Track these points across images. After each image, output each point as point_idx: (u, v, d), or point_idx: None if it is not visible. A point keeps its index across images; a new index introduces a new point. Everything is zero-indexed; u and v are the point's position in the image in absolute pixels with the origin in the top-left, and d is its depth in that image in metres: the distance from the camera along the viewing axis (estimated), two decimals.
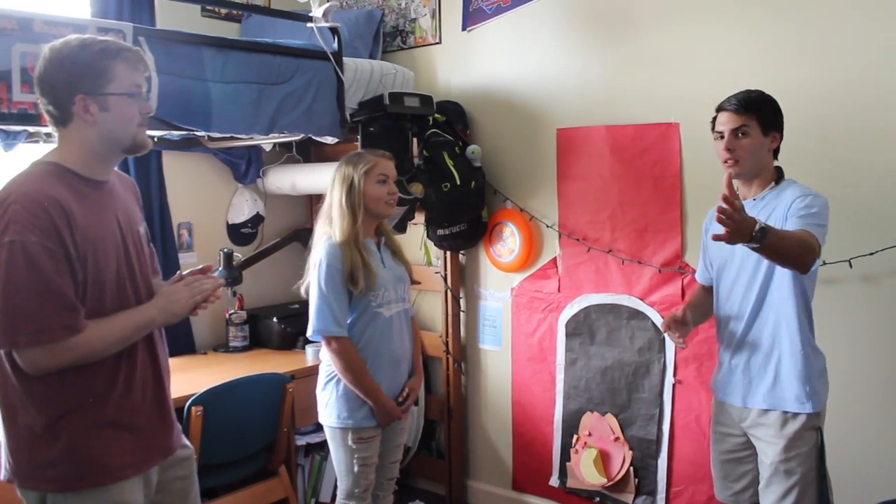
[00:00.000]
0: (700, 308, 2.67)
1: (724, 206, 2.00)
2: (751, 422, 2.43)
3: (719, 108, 2.44)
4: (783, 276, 2.33)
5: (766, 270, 2.36)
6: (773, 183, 2.42)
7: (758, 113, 2.36)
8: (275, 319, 3.87)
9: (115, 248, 1.90)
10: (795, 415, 2.33)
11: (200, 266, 2.10)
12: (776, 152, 2.45)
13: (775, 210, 2.34)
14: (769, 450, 2.37)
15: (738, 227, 2.05)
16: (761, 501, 2.41)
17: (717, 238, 2.08)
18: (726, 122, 2.39)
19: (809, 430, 2.34)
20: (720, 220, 2.01)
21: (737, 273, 2.47)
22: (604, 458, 3.51)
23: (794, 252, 2.19)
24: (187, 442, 2.17)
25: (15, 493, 1.89)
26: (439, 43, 4.04)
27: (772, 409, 2.37)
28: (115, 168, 2.04)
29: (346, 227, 2.71)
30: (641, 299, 3.38)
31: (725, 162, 2.39)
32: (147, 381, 1.97)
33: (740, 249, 2.42)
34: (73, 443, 1.82)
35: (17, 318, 1.72)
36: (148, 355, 1.98)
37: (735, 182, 2.48)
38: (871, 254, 2.77)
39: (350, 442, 2.74)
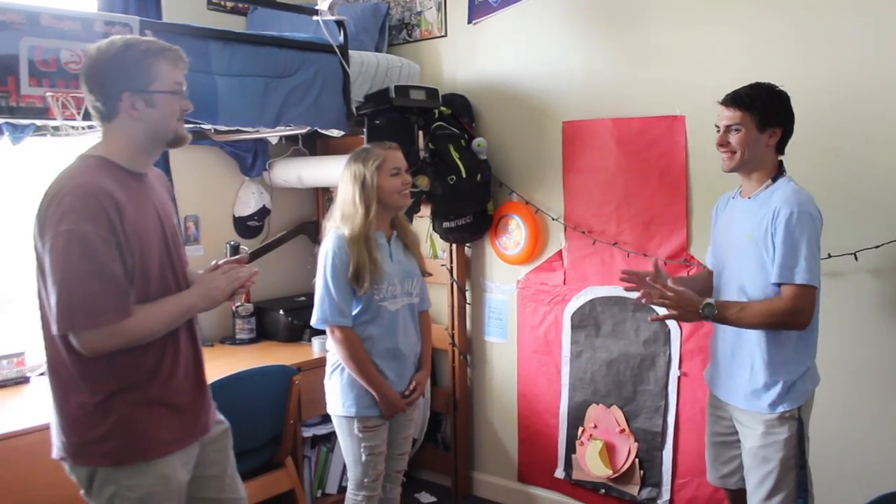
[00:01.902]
0: (697, 284, 2.66)
1: (656, 293, 2.29)
2: (732, 409, 2.51)
3: (721, 102, 2.46)
4: (769, 274, 2.34)
5: (754, 273, 2.38)
6: (769, 180, 2.42)
7: (752, 109, 2.37)
8: (281, 312, 3.89)
9: (158, 238, 2.01)
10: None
11: (237, 256, 2.21)
12: (781, 147, 2.44)
13: (764, 219, 2.35)
14: (749, 434, 2.42)
15: (679, 306, 2.31)
16: (746, 486, 2.47)
17: (656, 319, 2.37)
18: (723, 117, 2.43)
19: (788, 420, 2.37)
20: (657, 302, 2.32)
21: (729, 267, 2.50)
22: (609, 450, 3.52)
23: (760, 324, 2.33)
24: (222, 417, 2.27)
25: (59, 474, 2.00)
26: (445, 36, 4.04)
27: (747, 409, 2.44)
28: None
29: (357, 224, 2.72)
30: None
31: (722, 156, 2.45)
32: (189, 364, 2.09)
33: (735, 244, 2.47)
34: (122, 419, 1.92)
35: (76, 303, 1.81)
36: (189, 339, 2.11)
37: (741, 179, 2.53)
38: (877, 247, 2.76)
39: (356, 431, 2.76)
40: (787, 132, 2.43)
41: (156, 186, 2.11)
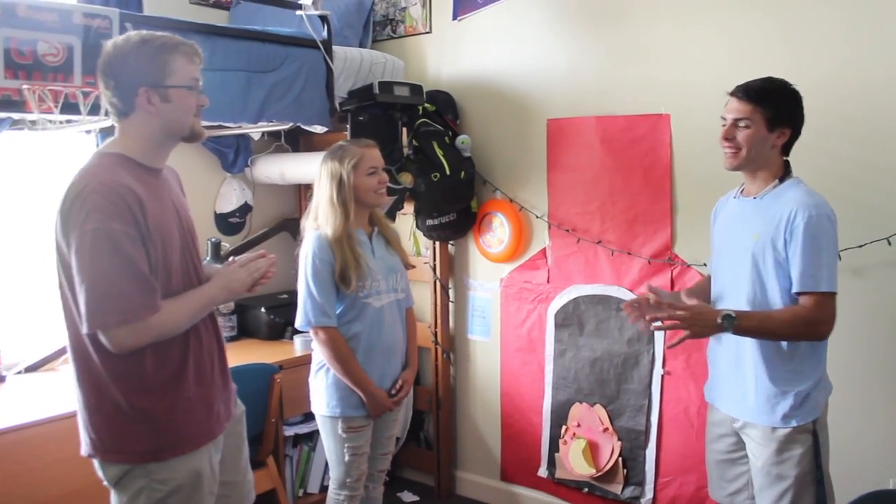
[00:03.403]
0: (701, 294, 2.54)
1: (664, 314, 2.14)
2: (741, 425, 2.34)
3: (730, 93, 2.30)
4: (775, 281, 2.23)
5: (757, 274, 2.26)
6: (776, 180, 2.29)
7: (765, 105, 2.22)
8: (263, 309, 3.85)
9: (179, 233, 2.03)
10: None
11: (257, 252, 2.20)
12: (787, 148, 2.30)
13: (774, 219, 2.22)
14: (760, 453, 2.27)
15: (693, 323, 2.14)
16: None
17: (674, 344, 2.21)
18: (731, 109, 2.27)
19: (802, 434, 2.23)
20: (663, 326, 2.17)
21: (728, 273, 2.38)
22: (592, 449, 3.52)
23: (783, 336, 2.20)
24: (238, 400, 2.30)
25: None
26: (429, 32, 4.02)
27: (758, 423, 2.29)
28: None
29: (337, 223, 2.70)
30: (631, 290, 3.37)
31: (725, 151, 2.30)
32: (213, 356, 2.12)
33: (731, 249, 2.35)
34: (157, 417, 1.94)
35: (107, 302, 1.82)
36: (213, 331, 2.14)
37: (742, 175, 2.38)
38: (860, 246, 2.77)
39: (340, 431, 2.74)
40: (796, 134, 2.29)
41: (170, 181, 2.12)
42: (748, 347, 2.29)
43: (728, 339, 2.32)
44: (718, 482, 2.49)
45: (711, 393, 2.49)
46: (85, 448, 1.99)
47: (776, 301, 2.23)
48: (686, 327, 2.15)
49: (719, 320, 2.13)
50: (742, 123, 2.24)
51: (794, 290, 2.18)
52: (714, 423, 2.48)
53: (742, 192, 2.41)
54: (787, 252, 2.19)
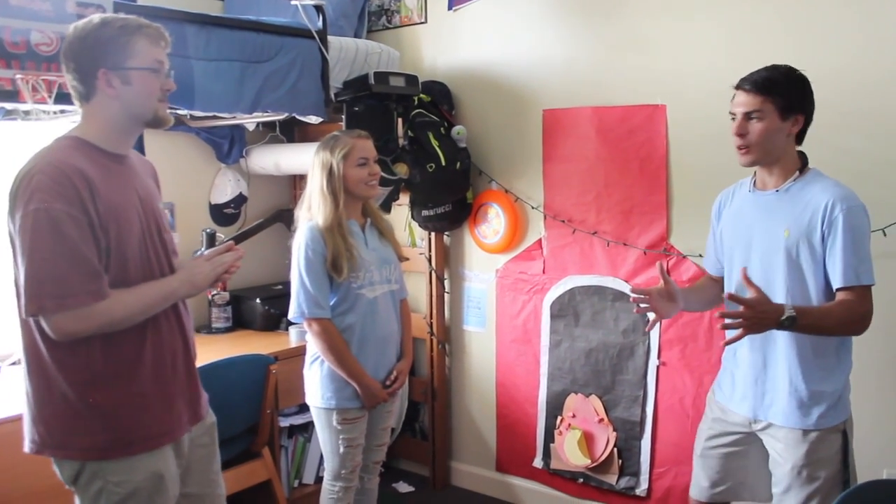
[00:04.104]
0: (699, 294, 2.51)
1: (734, 309, 1.99)
2: (763, 426, 2.27)
3: (736, 86, 2.23)
4: (812, 276, 2.15)
5: (794, 271, 2.17)
6: (797, 172, 2.21)
7: (775, 94, 2.14)
8: (258, 300, 3.85)
9: (138, 221, 1.95)
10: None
11: (224, 245, 2.15)
12: (801, 136, 2.24)
13: (806, 213, 2.15)
14: (789, 454, 2.19)
15: (757, 322, 1.99)
16: None
17: (732, 340, 2.06)
18: (740, 103, 2.19)
19: (833, 433, 2.18)
20: (731, 324, 1.99)
21: (756, 268, 2.23)
22: (588, 440, 3.53)
23: (837, 332, 2.12)
24: (210, 409, 2.23)
25: (39, 466, 1.95)
26: (425, 22, 4.00)
27: (788, 426, 2.21)
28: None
29: (328, 213, 2.69)
30: (626, 281, 3.37)
31: (738, 149, 2.21)
32: (177, 352, 2.04)
33: (764, 240, 2.24)
34: (109, 412, 1.87)
35: (44, 284, 1.75)
36: (176, 326, 2.05)
37: (758, 171, 2.31)
38: None
39: (335, 423, 2.73)
40: (809, 120, 2.22)
41: (139, 171, 2.06)
42: (780, 349, 2.22)
43: (757, 340, 2.24)
44: (709, 477, 2.42)
45: (726, 393, 2.39)
46: (29, 445, 1.90)
47: (814, 297, 2.17)
48: (749, 325, 2.00)
49: (783, 318, 2.00)
50: (754, 116, 2.16)
51: (838, 285, 2.10)
52: (721, 419, 2.39)
53: (755, 184, 2.33)
54: (825, 246, 2.12)
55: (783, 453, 2.22)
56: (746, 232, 2.31)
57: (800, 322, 2.02)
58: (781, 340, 2.20)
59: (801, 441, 2.18)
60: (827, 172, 2.25)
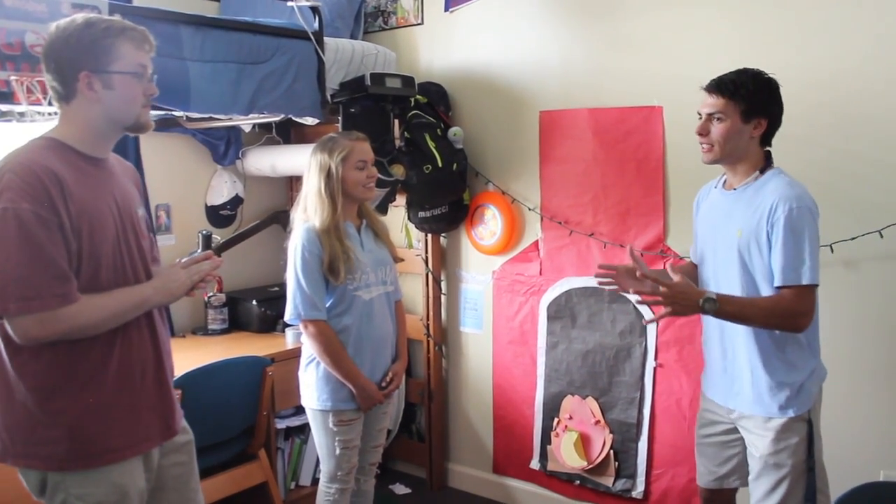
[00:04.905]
0: (686, 273, 2.51)
1: (651, 286, 2.13)
2: (737, 415, 2.36)
3: (704, 87, 2.32)
4: (762, 276, 2.23)
5: (745, 271, 2.26)
6: (756, 172, 2.29)
7: (738, 98, 2.22)
8: (254, 302, 3.84)
9: (113, 225, 1.90)
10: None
11: (203, 254, 2.12)
12: (766, 138, 2.30)
13: (756, 213, 2.22)
14: (758, 442, 2.29)
15: (675, 301, 2.12)
16: (751, 493, 2.34)
17: (658, 318, 2.19)
18: (704, 104, 2.29)
19: (798, 422, 2.24)
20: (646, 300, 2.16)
21: (719, 265, 2.36)
22: (584, 442, 3.52)
23: (761, 324, 2.20)
24: (188, 426, 2.16)
25: (5, 473, 1.88)
26: (421, 24, 4.00)
27: (754, 414, 2.30)
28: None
29: (325, 215, 2.68)
30: None
31: (701, 146, 2.31)
32: (147, 362, 1.97)
33: (722, 238, 2.34)
34: (70, 421, 1.81)
35: (8, 286, 1.70)
36: (148, 335, 1.98)
37: (726, 170, 2.39)
38: (852, 239, 2.77)
39: (331, 424, 2.73)
40: (774, 123, 2.29)
41: (118, 175, 2.00)
42: (740, 339, 2.30)
43: (714, 330, 2.37)
44: (707, 466, 2.51)
45: (706, 383, 2.51)
46: None
47: (766, 295, 2.23)
48: (668, 304, 2.12)
49: (701, 301, 2.12)
50: (716, 117, 2.25)
51: (777, 283, 2.18)
52: (708, 409, 2.50)
53: (724, 183, 2.42)
54: (770, 246, 2.19)
55: (754, 442, 2.31)
56: (712, 230, 2.41)
57: (722, 307, 2.14)
58: (742, 332, 2.28)
59: (766, 429, 2.26)
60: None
